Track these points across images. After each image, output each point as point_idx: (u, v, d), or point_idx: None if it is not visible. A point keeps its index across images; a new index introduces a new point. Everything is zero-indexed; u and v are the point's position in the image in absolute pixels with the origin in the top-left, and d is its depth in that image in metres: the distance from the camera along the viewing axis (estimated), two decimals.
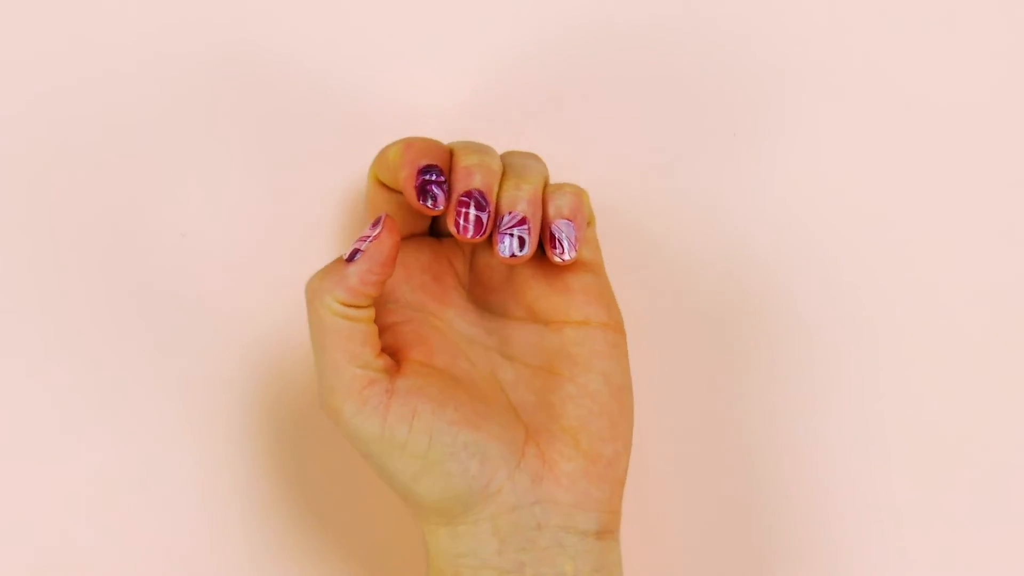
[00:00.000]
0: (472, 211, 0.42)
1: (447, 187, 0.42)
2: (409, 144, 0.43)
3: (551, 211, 0.43)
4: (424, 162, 0.42)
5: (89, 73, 0.49)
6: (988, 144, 0.50)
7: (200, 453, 0.49)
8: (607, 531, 0.42)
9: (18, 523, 0.48)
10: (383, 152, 0.44)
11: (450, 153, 0.43)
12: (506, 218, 0.42)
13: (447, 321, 0.45)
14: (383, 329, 0.44)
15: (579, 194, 0.43)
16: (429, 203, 0.42)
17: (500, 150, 0.46)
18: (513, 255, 0.42)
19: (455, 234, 0.42)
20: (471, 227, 0.42)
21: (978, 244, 0.50)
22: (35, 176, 0.49)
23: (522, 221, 0.42)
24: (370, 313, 0.42)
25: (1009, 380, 0.50)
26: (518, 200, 0.42)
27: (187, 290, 0.49)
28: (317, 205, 0.49)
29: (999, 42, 0.51)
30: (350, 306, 0.41)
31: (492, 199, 0.42)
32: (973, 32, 0.50)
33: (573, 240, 0.43)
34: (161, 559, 0.49)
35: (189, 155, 0.49)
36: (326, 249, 0.49)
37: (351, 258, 0.41)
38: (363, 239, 0.41)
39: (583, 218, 0.43)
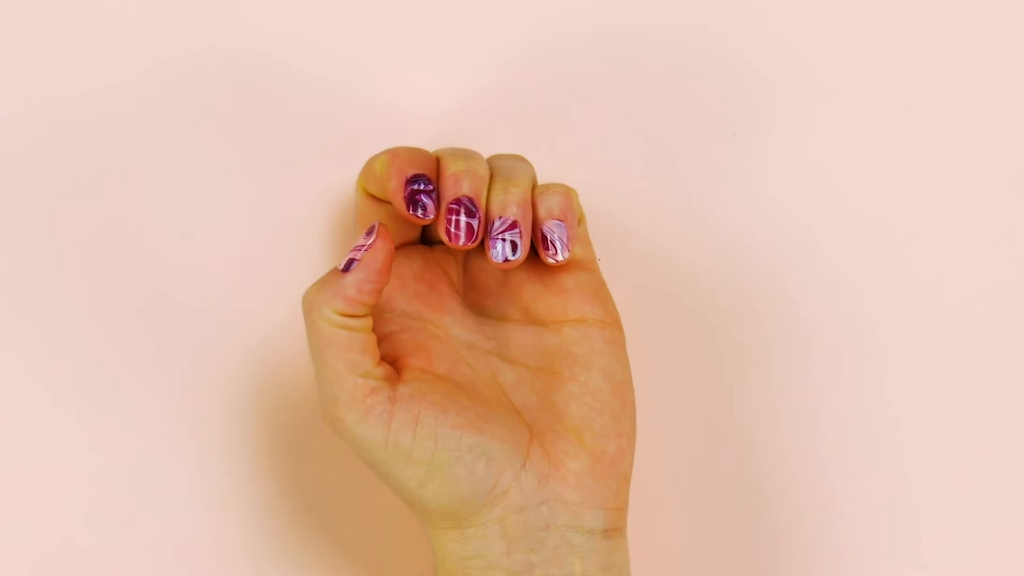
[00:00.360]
0: (462, 218, 0.42)
1: (436, 195, 0.42)
2: (395, 154, 0.43)
3: (541, 212, 0.43)
4: (411, 171, 0.42)
5: (89, 76, 0.49)
6: (988, 143, 0.50)
7: (200, 453, 0.49)
8: (614, 529, 0.42)
9: (18, 523, 0.48)
10: (369, 163, 0.44)
11: (436, 161, 0.43)
12: (497, 223, 0.42)
13: (444, 328, 0.45)
14: (381, 339, 0.44)
15: (568, 193, 0.43)
16: (419, 212, 0.42)
17: (498, 152, 0.46)
18: (506, 260, 0.42)
19: (447, 242, 0.42)
20: (462, 234, 0.42)
21: (978, 243, 0.50)
22: (35, 177, 0.49)
23: (513, 225, 0.42)
24: (368, 322, 0.42)
25: (1011, 379, 0.50)
26: (508, 204, 0.42)
27: (186, 290, 0.49)
28: (316, 206, 0.49)
29: (999, 42, 0.51)
30: (348, 316, 0.41)
31: (481, 204, 0.42)
32: (973, 32, 0.50)
33: (565, 240, 0.43)
34: (161, 559, 0.49)
35: (189, 157, 0.49)
36: (326, 250, 0.49)
37: (347, 268, 0.41)
38: (357, 248, 0.42)
39: (574, 217, 0.43)
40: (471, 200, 0.42)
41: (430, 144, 0.49)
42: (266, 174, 0.49)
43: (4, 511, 0.48)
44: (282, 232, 0.49)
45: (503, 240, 0.42)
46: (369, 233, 0.42)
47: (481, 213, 0.42)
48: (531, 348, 0.44)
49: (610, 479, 0.42)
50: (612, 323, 0.44)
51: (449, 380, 0.43)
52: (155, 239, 0.49)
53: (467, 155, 0.43)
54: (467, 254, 0.46)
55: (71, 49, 0.49)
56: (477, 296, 0.46)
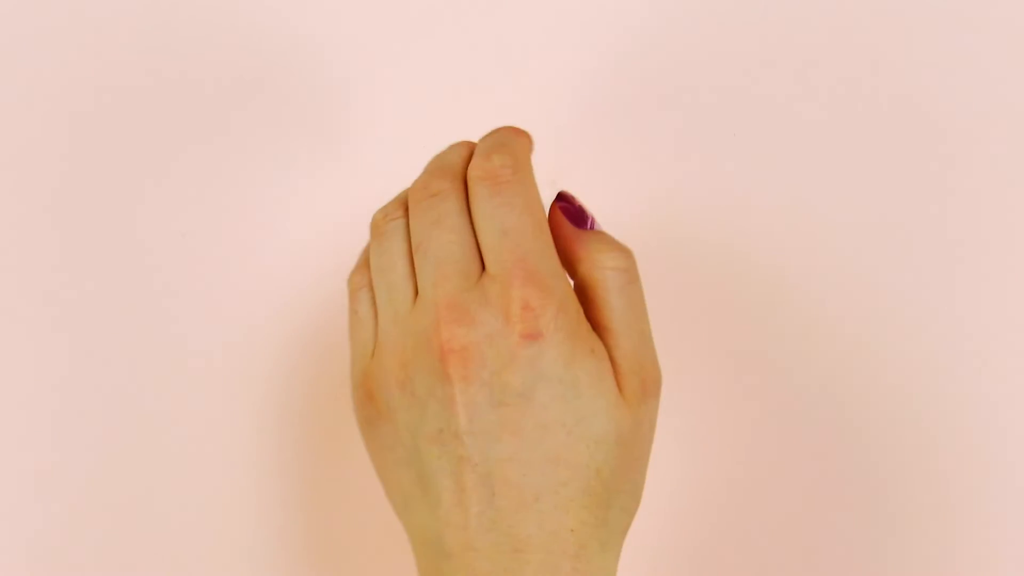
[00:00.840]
0: None
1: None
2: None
3: None
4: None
5: (92, 74, 0.49)
6: (991, 143, 0.50)
7: (201, 452, 0.49)
8: None
9: (18, 523, 0.48)
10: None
11: None
12: None
13: None
14: None
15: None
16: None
17: None
18: None
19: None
20: None
21: (982, 243, 0.50)
22: (35, 175, 0.49)
23: None
24: None
25: (1018, 378, 0.50)
26: None
27: (187, 290, 0.49)
28: (318, 204, 0.49)
29: (1001, 41, 0.50)
30: None
31: None
32: (975, 31, 0.50)
33: None
34: (161, 559, 0.49)
35: (191, 154, 0.49)
36: (328, 247, 0.49)
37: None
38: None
39: None
40: None
41: (432, 143, 0.49)
42: (271, 171, 0.49)
43: (4, 511, 0.48)
44: (286, 231, 0.49)
45: None
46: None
47: None
48: None
49: None
50: None
51: None
52: (155, 239, 0.49)
53: None
54: None
55: (79, 50, 0.49)
56: None
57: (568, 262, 0.42)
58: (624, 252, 0.42)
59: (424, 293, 0.41)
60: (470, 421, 0.39)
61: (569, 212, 0.43)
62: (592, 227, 0.43)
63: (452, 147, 0.44)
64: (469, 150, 0.43)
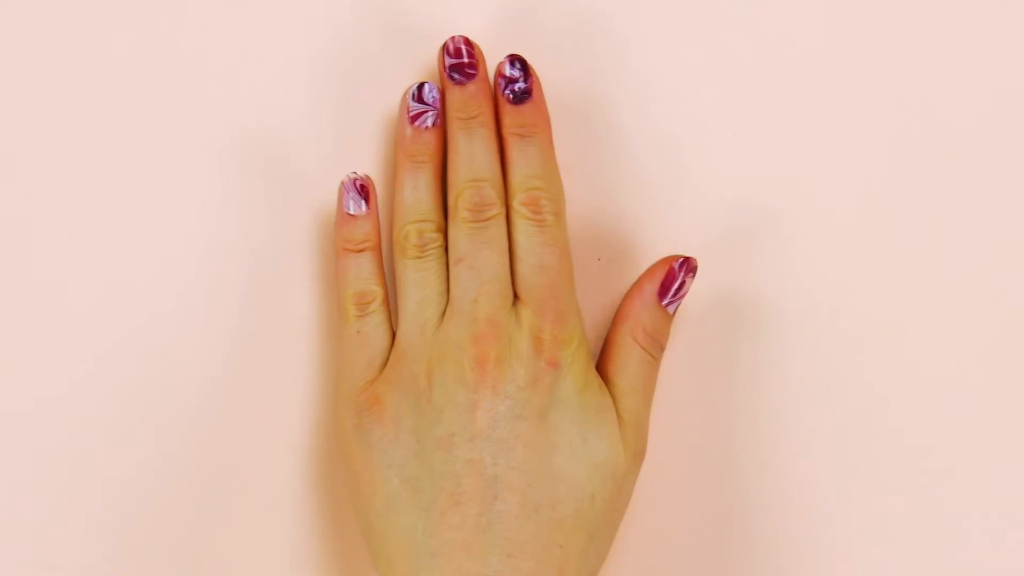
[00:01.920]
0: None
1: None
2: None
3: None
4: None
5: (87, 69, 0.49)
6: (992, 145, 0.50)
7: (203, 453, 0.49)
8: None
9: (17, 522, 0.48)
10: None
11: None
12: None
13: None
14: None
15: None
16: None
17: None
18: None
19: None
20: None
21: (982, 243, 0.50)
22: (33, 173, 0.49)
23: None
24: None
25: (1013, 380, 0.50)
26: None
27: (187, 289, 0.49)
28: (319, 201, 0.49)
29: (1002, 42, 0.50)
30: None
31: None
32: (977, 32, 0.50)
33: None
34: (162, 560, 0.49)
35: (191, 153, 0.49)
36: (330, 245, 0.49)
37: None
38: None
39: None
40: None
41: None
42: (272, 170, 0.49)
43: (4, 510, 0.48)
44: (287, 229, 0.49)
45: None
46: None
47: None
48: None
49: None
50: None
51: None
52: (155, 238, 0.49)
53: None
54: None
55: (78, 47, 0.49)
56: None
57: (623, 312, 0.47)
58: (663, 345, 0.47)
59: (461, 306, 0.44)
60: (489, 427, 0.43)
61: (670, 278, 0.47)
62: (670, 307, 0.47)
63: (481, 154, 0.46)
64: (497, 159, 0.46)
